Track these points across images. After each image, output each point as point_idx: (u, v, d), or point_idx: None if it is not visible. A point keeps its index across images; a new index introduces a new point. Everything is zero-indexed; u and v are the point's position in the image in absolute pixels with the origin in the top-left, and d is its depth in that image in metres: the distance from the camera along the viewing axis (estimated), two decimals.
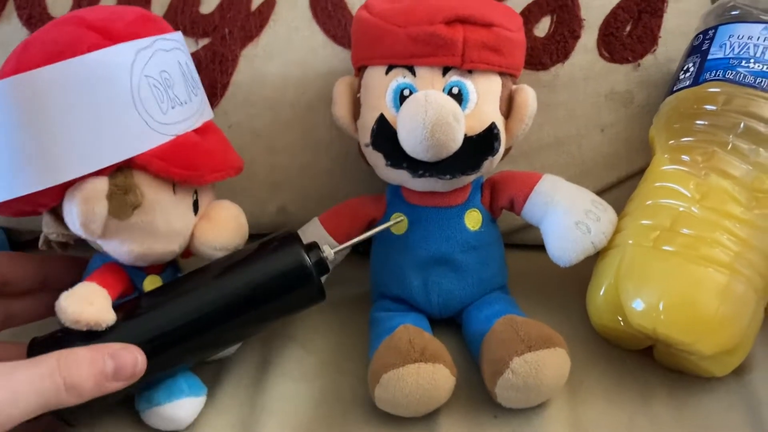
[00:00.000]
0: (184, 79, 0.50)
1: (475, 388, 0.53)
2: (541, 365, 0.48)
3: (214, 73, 0.64)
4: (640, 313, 0.50)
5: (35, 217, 0.66)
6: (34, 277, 0.54)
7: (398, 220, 0.55)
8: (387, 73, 0.53)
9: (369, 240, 0.56)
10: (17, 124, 0.44)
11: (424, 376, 0.48)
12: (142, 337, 0.48)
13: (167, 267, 0.54)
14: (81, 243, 0.52)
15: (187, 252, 0.55)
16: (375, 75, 0.53)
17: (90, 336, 0.47)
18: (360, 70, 0.56)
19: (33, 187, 0.44)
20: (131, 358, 0.44)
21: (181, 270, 0.56)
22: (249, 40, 0.64)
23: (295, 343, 0.58)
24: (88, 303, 0.46)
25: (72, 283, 0.47)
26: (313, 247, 0.51)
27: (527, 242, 0.66)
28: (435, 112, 0.48)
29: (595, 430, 0.50)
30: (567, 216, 0.54)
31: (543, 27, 0.64)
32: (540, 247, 0.66)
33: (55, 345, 0.47)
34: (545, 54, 0.64)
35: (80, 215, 0.45)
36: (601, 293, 0.54)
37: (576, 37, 0.64)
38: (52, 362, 0.41)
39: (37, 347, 0.48)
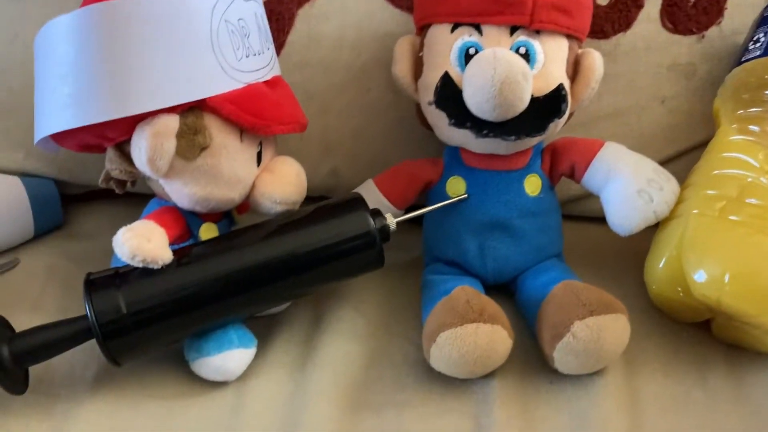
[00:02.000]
0: (258, 30, 0.50)
1: (530, 354, 0.52)
2: (603, 330, 0.47)
3: (271, 31, 0.63)
4: (703, 284, 0.49)
5: (86, 170, 0.66)
6: None
7: (463, 197, 0.54)
8: (452, 31, 0.52)
9: (421, 206, 0.55)
10: (97, 52, 0.44)
11: (483, 337, 0.48)
12: (196, 283, 0.48)
13: (223, 217, 0.54)
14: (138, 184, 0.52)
15: (243, 206, 0.55)
16: (439, 33, 0.53)
17: (146, 272, 0.47)
18: (423, 29, 0.55)
19: (106, 116, 0.44)
20: None
21: (237, 224, 0.56)
22: (306, 1, 0.64)
23: (346, 303, 0.58)
24: (146, 239, 0.46)
25: None
26: (378, 213, 0.51)
27: (580, 213, 0.65)
28: (504, 69, 0.47)
29: (651, 402, 0.49)
30: (629, 184, 0.53)
31: None
32: (593, 219, 0.65)
33: (111, 281, 0.47)
34: (607, 23, 0.62)
35: (149, 150, 0.45)
36: (662, 264, 0.53)
37: (639, 6, 0.62)
38: None
39: (93, 283, 0.47)
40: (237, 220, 0.56)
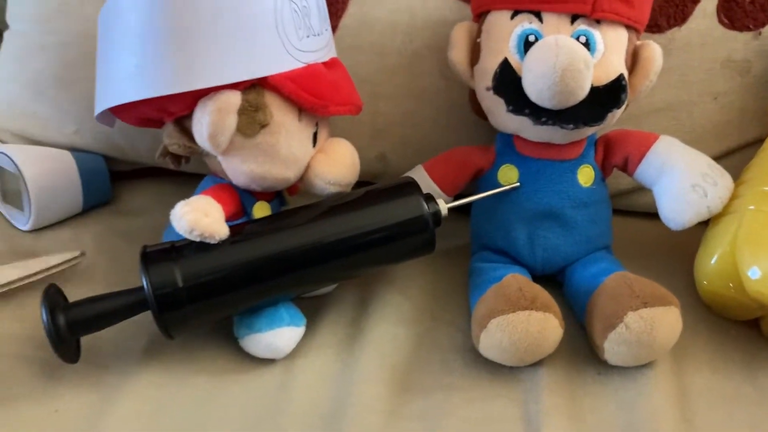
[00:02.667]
0: (318, 11, 0.51)
1: (578, 344, 0.52)
2: (656, 322, 0.47)
3: None
4: (757, 280, 0.48)
5: (135, 147, 0.67)
6: None
7: (515, 185, 0.54)
8: (512, 18, 0.52)
9: (470, 193, 0.55)
10: (166, 25, 0.45)
11: (534, 324, 0.48)
12: (250, 260, 0.48)
13: (275, 197, 0.54)
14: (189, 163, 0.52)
15: (293, 188, 0.55)
16: (499, 19, 0.53)
17: (202, 247, 0.47)
18: (480, 16, 0.55)
19: (172, 89, 0.45)
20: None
21: (287, 204, 0.56)
22: None
23: (392, 288, 0.58)
24: (204, 214, 0.47)
25: None
26: (431, 198, 0.51)
27: (628, 207, 0.65)
28: (566, 57, 0.47)
29: (699, 396, 0.49)
30: (683, 178, 0.52)
31: None
32: (640, 214, 0.65)
33: (167, 254, 0.48)
34: (662, 16, 0.62)
35: (210, 125, 0.46)
36: (714, 260, 0.52)
37: (696, 1, 0.62)
38: None
39: (149, 256, 0.48)
40: (287, 200, 0.57)
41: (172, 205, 0.59)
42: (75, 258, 0.48)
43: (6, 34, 0.69)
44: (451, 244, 0.63)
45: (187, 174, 0.69)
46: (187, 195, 0.51)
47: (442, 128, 0.64)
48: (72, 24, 0.64)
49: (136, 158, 0.68)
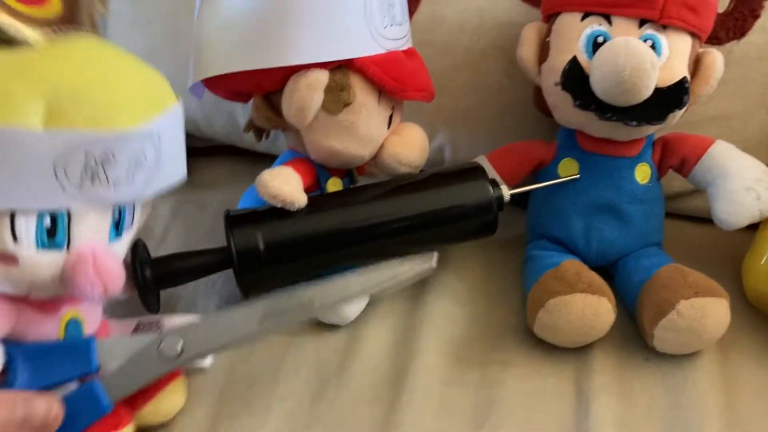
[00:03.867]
0: (401, 3, 0.54)
1: (627, 331, 0.55)
2: (707, 312, 0.49)
3: None
4: None
5: (211, 124, 0.71)
6: None
7: (575, 176, 0.57)
8: (582, 19, 0.55)
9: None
10: (269, 4, 0.48)
11: (590, 306, 0.51)
12: (324, 229, 0.52)
13: (346, 175, 0.58)
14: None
15: (362, 168, 0.59)
16: (569, 21, 0.55)
17: (281, 214, 0.51)
18: (551, 17, 0.58)
19: (269, 64, 0.49)
20: (43, 408, 0.38)
21: (357, 182, 0.59)
22: None
23: (449, 269, 0.61)
24: (286, 182, 0.50)
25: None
26: (495, 183, 0.54)
27: (678, 211, 0.67)
28: (635, 57, 0.50)
29: (745, 386, 0.51)
30: (737, 181, 0.55)
31: (723, 3, 0.65)
32: (690, 217, 0.67)
33: (250, 219, 0.51)
34: (722, 29, 0.64)
35: (299, 100, 0.49)
36: (763, 261, 0.55)
37: (756, 16, 0.64)
38: None
39: (234, 219, 0.51)
40: (356, 179, 0.60)
41: (242, 181, 0.63)
42: (428, 263, 0.47)
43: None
44: (505, 234, 0.66)
45: (258, 153, 0.73)
46: (256, 172, 0.54)
47: (502, 125, 0.67)
48: (161, 4, 0.68)
49: (212, 135, 0.72)
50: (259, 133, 0.58)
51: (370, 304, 0.57)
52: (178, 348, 0.43)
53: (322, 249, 0.52)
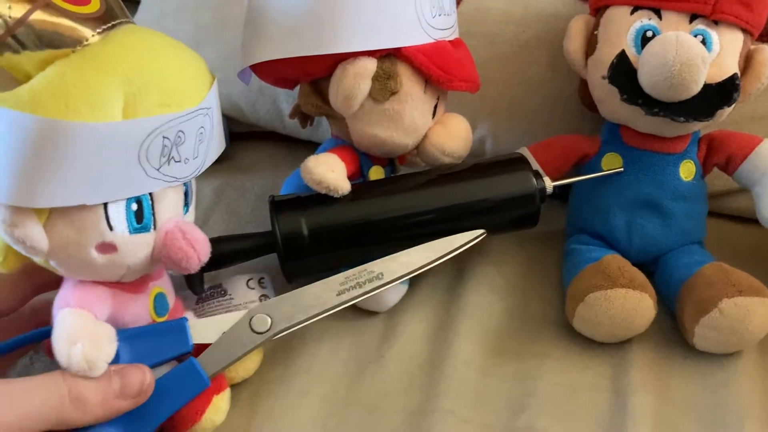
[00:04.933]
0: None
1: (667, 329, 0.55)
2: (750, 311, 0.49)
3: None
4: None
5: (254, 110, 0.71)
6: (16, 296, 0.48)
7: (618, 169, 0.57)
8: (632, 13, 0.54)
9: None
10: None
11: (631, 302, 0.50)
12: (366, 217, 0.52)
13: (388, 163, 0.58)
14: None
15: (403, 158, 0.59)
16: (618, 14, 0.55)
17: (325, 200, 0.51)
18: (599, 10, 0.57)
19: (319, 50, 0.49)
20: (138, 377, 0.41)
21: (399, 172, 0.60)
22: None
23: (487, 261, 0.61)
24: (330, 169, 0.51)
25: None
26: (539, 174, 0.54)
27: (720, 210, 0.66)
28: (685, 52, 0.49)
29: None
30: None
31: None
32: (732, 217, 0.67)
33: (294, 205, 0.52)
34: None
35: (346, 88, 0.49)
36: None
37: None
38: (56, 374, 0.39)
39: (279, 205, 0.52)
40: (398, 168, 0.60)
41: (283, 166, 0.64)
42: (478, 236, 0.52)
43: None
44: (545, 228, 0.65)
45: (298, 140, 0.73)
46: (297, 158, 0.55)
47: (547, 117, 0.67)
48: None
49: (255, 121, 0.73)
50: (304, 119, 0.58)
51: (408, 293, 0.57)
52: (268, 324, 0.46)
53: (365, 236, 0.52)
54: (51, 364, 0.43)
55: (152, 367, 0.43)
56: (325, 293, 0.48)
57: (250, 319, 0.46)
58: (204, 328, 0.46)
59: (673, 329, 0.54)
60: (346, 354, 0.53)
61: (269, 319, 0.46)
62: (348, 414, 0.49)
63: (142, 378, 0.41)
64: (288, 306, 0.47)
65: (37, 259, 0.41)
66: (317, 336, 0.54)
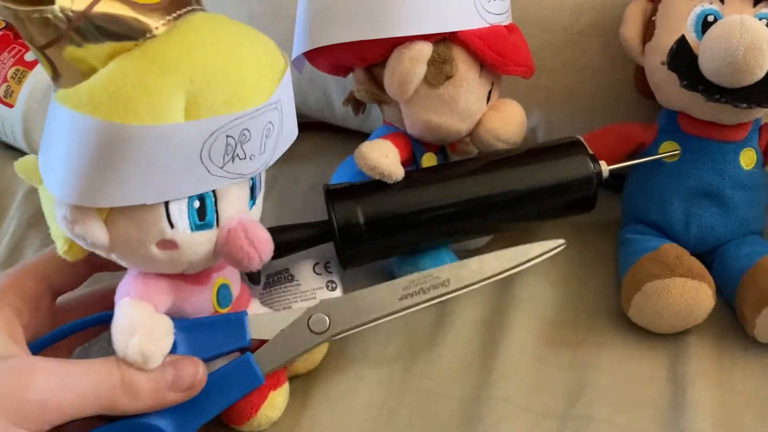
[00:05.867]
0: None
1: (725, 320, 0.54)
2: None
3: None
4: None
5: (305, 102, 0.72)
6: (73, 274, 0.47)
7: (675, 151, 0.56)
8: None
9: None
10: None
11: (690, 291, 0.50)
12: (421, 204, 0.52)
13: (440, 151, 0.58)
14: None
15: (454, 145, 0.59)
16: None
17: (379, 187, 0.51)
18: None
19: (376, 34, 0.49)
20: (191, 370, 0.41)
21: (450, 159, 0.60)
22: None
23: None
24: (384, 155, 0.51)
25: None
26: (595, 159, 0.53)
27: None
28: (751, 35, 0.48)
29: None
30: None
31: None
32: None
33: (349, 193, 0.52)
34: None
35: (402, 73, 0.50)
36: None
37: None
38: (112, 360, 0.39)
39: (334, 193, 0.52)
40: (449, 156, 0.60)
41: (333, 155, 0.64)
42: (556, 248, 0.50)
43: None
44: (598, 218, 0.65)
45: (348, 130, 0.74)
46: (347, 148, 0.55)
47: (602, 105, 0.66)
48: None
49: (306, 111, 0.73)
50: (357, 106, 0.58)
51: None
52: (326, 324, 0.46)
53: (420, 223, 0.52)
54: (109, 347, 0.44)
55: (208, 359, 0.43)
56: (388, 297, 0.47)
57: (309, 318, 0.46)
58: (263, 324, 0.45)
59: (731, 321, 0.53)
60: (400, 341, 0.53)
61: (328, 320, 0.46)
62: (403, 399, 0.49)
63: (195, 371, 0.41)
64: (348, 307, 0.46)
65: (98, 252, 0.41)
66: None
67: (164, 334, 0.41)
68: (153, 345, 0.39)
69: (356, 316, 0.46)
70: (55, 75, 0.37)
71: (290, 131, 0.45)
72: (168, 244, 0.40)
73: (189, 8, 0.39)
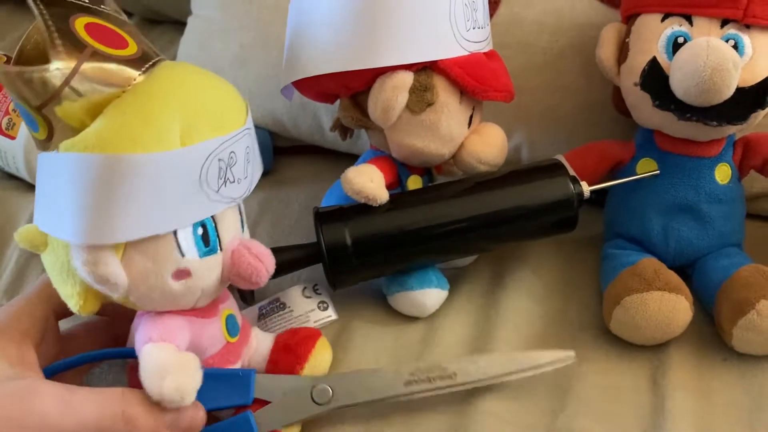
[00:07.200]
0: (483, 7, 0.56)
1: (705, 331, 0.55)
2: None
3: None
4: None
5: (296, 126, 0.74)
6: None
7: (654, 171, 0.57)
8: (663, 20, 0.55)
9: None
10: (359, 7, 0.51)
11: (667, 304, 0.51)
12: (405, 225, 0.54)
13: (425, 173, 0.60)
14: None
15: (440, 167, 0.61)
16: (649, 21, 0.56)
17: (366, 210, 0.53)
18: (630, 18, 0.58)
19: (359, 65, 0.51)
20: (192, 412, 0.42)
21: (435, 181, 0.61)
22: None
23: (525, 266, 0.62)
24: (369, 179, 0.53)
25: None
26: (576, 180, 0.55)
27: (759, 212, 0.67)
28: (716, 57, 0.50)
29: None
30: None
31: None
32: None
33: (337, 216, 0.54)
34: None
35: (385, 101, 0.52)
36: None
37: None
38: (117, 392, 0.41)
39: (322, 216, 0.54)
40: (435, 177, 0.62)
41: (325, 178, 0.66)
42: (566, 358, 0.50)
43: (190, 19, 0.78)
44: (582, 234, 0.66)
45: (339, 152, 0.76)
46: (337, 170, 0.57)
47: (581, 124, 0.68)
48: (252, 10, 0.72)
49: (297, 135, 0.75)
50: (344, 131, 0.61)
51: (447, 299, 0.59)
52: (329, 396, 0.47)
53: (405, 244, 0.54)
54: (110, 370, 0.45)
55: (209, 411, 0.44)
56: (393, 381, 0.48)
57: (312, 388, 0.47)
58: (268, 384, 0.47)
59: (711, 332, 0.55)
60: (388, 358, 0.54)
61: (331, 392, 0.47)
62: (391, 414, 0.50)
63: (195, 415, 0.42)
64: (353, 384, 0.48)
65: (116, 296, 0.42)
66: (359, 342, 0.55)
67: (194, 369, 0.41)
68: (188, 380, 0.40)
69: (359, 394, 0.48)
70: (49, 135, 0.40)
71: (259, 162, 0.49)
72: (182, 273, 0.42)
73: (159, 57, 0.43)
